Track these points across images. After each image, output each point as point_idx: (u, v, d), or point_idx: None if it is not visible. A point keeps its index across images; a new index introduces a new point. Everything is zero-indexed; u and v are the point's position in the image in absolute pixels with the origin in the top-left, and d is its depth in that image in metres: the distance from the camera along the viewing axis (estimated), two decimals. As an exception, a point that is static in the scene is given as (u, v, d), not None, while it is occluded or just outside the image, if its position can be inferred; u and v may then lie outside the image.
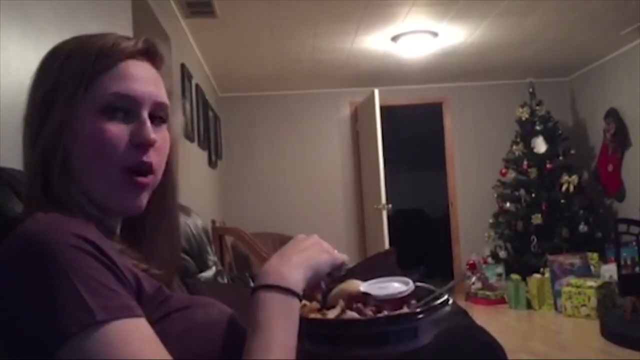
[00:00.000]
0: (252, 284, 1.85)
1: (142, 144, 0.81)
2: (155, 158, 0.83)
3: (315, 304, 0.89)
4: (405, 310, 0.87)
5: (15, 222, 0.75)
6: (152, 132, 0.81)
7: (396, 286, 0.89)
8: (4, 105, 1.36)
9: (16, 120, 0.86)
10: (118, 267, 0.72)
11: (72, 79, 0.79)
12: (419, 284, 0.92)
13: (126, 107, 0.81)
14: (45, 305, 0.66)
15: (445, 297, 0.87)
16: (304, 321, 0.83)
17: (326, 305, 0.90)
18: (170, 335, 0.73)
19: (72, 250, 0.69)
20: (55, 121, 0.79)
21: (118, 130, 0.79)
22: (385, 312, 0.86)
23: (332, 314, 0.87)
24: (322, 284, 0.90)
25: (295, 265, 0.81)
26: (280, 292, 0.77)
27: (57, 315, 0.65)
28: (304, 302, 0.89)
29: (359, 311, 0.87)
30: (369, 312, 0.87)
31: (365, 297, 0.88)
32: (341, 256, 0.87)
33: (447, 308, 0.85)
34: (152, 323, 0.72)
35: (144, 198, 0.84)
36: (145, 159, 0.81)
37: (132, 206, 0.83)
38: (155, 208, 0.89)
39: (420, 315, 0.83)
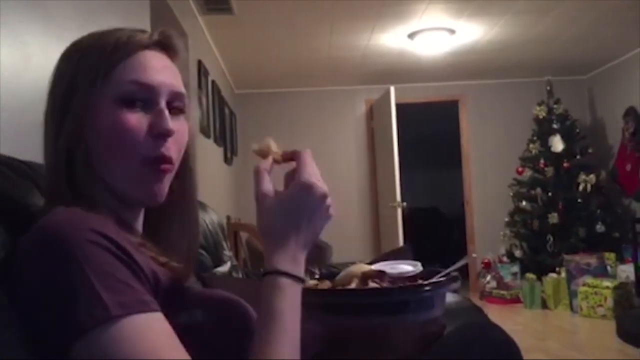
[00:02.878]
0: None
1: (161, 134, 0.81)
2: (173, 148, 0.83)
3: (327, 283, 0.96)
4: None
5: (37, 215, 0.75)
6: (170, 122, 0.81)
7: (406, 267, 0.99)
8: (26, 100, 1.38)
9: (38, 115, 0.87)
10: (135, 262, 0.73)
11: (90, 70, 0.80)
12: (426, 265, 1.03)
13: (144, 97, 0.81)
14: (61, 300, 0.67)
15: (455, 274, 0.97)
16: (322, 293, 0.91)
17: (335, 286, 0.96)
18: (186, 329, 0.73)
19: (89, 246, 0.69)
20: (76, 113, 0.79)
21: (137, 120, 0.80)
22: None
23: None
24: None
25: (305, 245, 0.79)
26: (297, 281, 0.77)
27: (73, 310, 0.66)
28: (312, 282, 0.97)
29: None
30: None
31: (379, 275, 0.96)
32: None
33: (458, 282, 0.96)
34: (169, 317, 0.72)
35: (164, 187, 0.84)
36: (164, 151, 0.81)
37: (153, 195, 0.83)
38: (174, 201, 0.88)
39: (438, 285, 0.92)
